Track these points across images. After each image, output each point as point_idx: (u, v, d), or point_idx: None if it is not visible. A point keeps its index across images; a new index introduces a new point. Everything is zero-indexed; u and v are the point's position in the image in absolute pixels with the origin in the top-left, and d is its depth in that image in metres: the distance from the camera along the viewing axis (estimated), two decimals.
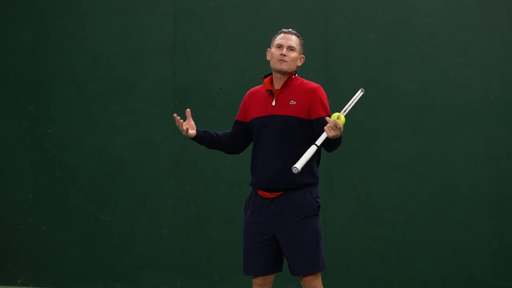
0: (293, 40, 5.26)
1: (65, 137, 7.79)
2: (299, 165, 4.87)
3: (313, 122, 5.18)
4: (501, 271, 7.11)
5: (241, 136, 5.41)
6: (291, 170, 4.89)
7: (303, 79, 5.28)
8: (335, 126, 4.87)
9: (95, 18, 7.78)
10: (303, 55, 5.33)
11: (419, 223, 7.23)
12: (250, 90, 5.43)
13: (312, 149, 4.92)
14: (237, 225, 7.50)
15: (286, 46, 5.23)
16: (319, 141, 4.95)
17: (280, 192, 5.16)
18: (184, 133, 5.23)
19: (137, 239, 7.70)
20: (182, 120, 5.23)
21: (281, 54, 5.21)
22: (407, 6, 7.23)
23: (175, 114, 5.23)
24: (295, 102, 5.18)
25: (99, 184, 7.75)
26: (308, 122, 5.19)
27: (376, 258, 7.30)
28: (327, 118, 4.92)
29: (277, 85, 5.25)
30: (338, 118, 4.91)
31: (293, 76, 5.25)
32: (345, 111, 5.02)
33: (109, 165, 7.74)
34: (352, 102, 5.09)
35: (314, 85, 5.25)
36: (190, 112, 5.31)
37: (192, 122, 5.30)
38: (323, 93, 5.22)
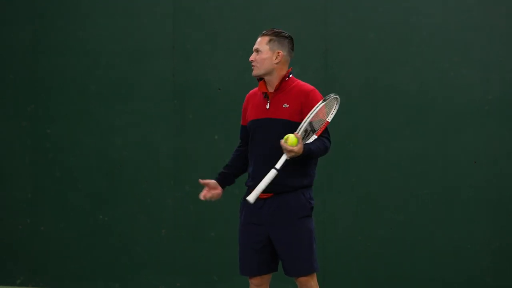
0: (259, 41, 5.23)
1: (65, 137, 7.79)
2: (251, 198, 4.92)
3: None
4: (501, 271, 7.10)
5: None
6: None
7: (298, 80, 5.22)
8: (285, 149, 4.88)
9: (95, 18, 7.78)
10: (280, 51, 5.19)
11: (419, 223, 7.22)
12: (249, 92, 5.39)
13: (271, 174, 4.91)
14: (236, 225, 7.49)
15: (254, 50, 5.24)
16: (278, 164, 4.93)
17: (272, 193, 5.13)
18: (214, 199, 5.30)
19: (137, 239, 7.69)
20: (205, 195, 5.30)
21: (250, 60, 5.22)
22: (407, 6, 7.23)
23: (201, 196, 5.33)
24: (288, 106, 5.12)
25: (99, 184, 7.75)
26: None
27: (376, 258, 7.29)
28: (281, 141, 4.89)
29: (270, 87, 5.20)
30: (286, 140, 4.87)
31: (287, 78, 5.18)
32: (299, 130, 4.95)
33: (108, 165, 7.73)
34: (313, 111, 4.98)
35: (308, 87, 5.17)
36: (202, 181, 5.34)
37: (212, 184, 5.34)
38: (317, 96, 5.12)
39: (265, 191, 5.04)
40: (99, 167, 7.75)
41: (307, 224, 5.17)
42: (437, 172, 7.19)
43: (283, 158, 4.92)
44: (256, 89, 5.34)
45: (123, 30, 7.72)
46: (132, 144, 7.69)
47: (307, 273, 5.16)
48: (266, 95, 5.19)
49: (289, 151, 4.86)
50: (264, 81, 5.23)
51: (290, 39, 5.29)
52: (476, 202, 7.12)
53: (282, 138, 4.96)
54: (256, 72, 5.19)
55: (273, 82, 5.19)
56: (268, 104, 5.17)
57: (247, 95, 5.38)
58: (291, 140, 4.88)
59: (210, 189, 5.31)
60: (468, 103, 7.13)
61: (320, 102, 5.00)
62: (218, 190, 5.32)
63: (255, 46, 5.23)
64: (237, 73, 7.49)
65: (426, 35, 7.19)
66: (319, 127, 5.05)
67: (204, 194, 5.31)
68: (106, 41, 7.74)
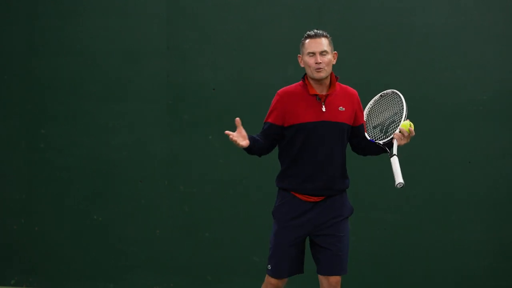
0: (323, 43, 5.20)
1: (59, 138, 7.78)
2: (401, 179, 5.06)
3: (357, 128, 5.29)
4: (496, 271, 7.11)
5: (275, 140, 5.32)
6: (396, 185, 5.07)
7: (338, 83, 5.31)
8: (409, 135, 5.12)
9: (89, 19, 7.76)
10: (335, 52, 5.29)
11: (412, 223, 7.22)
12: (282, 91, 5.30)
13: (397, 160, 5.12)
14: (231, 225, 7.53)
15: (318, 52, 5.17)
16: (395, 151, 5.15)
17: (324, 196, 5.22)
18: (236, 144, 5.08)
19: (131, 239, 7.69)
20: (232, 134, 5.06)
21: (316, 63, 5.16)
22: (402, 6, 7.23)
23: (227, 131, 5.06)
24: (344, 109, 5.20)
25: (93, 185, 7.74)
26: (351, 128, 5.28)
27: (369, 259, 7.29)
28: (401, 128, 5.09)
29: (319, 89, 5.22)
30: (411, 126, 5.12)
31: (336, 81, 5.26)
32: (406, 117, 5.20)
33: (102, 166, 7.73)
34: (406, 105, 5.25)
35: (354, 90, 5.33)
36: (240, 122, 5.11)
37: (244, 132, 5.12)
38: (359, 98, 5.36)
39: (322, 195, 5.19)
40: (94, 167, 7.74)
41: (348, 226, 5.32)
42: (431, 172, 7.19)
43: (397, 144, 5.17)
44: (289, 88, 5.31)
45: (117, 30, 7.71)
46: (126, 144, 7.68)
47: (344, 272, 5.29)
48: (318, 98, 5.19)
49: (411, 135, 5.17)
50: (312, 82, 5.23)
51: None
52: (470, 202, 7.13)
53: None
54: (324, 74, 5.18)
55: (325, 84, 5.23)
56: (323, 107, 5.17)
57: (281, 94, 5.29)
58: (413, 126, 5.17)
59: (240, 134, 5.11)
60: (462, 103, 7.14)
61: (400, 95, 5.32)
62: (246, 140, 5.11)
63: (320, 48, 5.18)
64: (232, 73, 7.49)
65: (421, 36, 7.20)
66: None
67: (232, 134, 5.06)
68: (100, 41, 7.73)
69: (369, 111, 5.41)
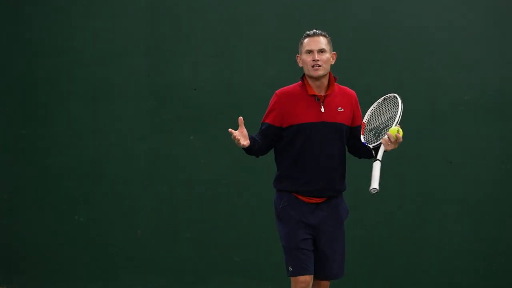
0: (321, 41, 5.20)
1: (41, 138, 7.76)
2: (377, 185, 4.98)
3: (355, 129, 5.27)
4: (477, 271, 7.13)
5: (273, 141, 5.29)
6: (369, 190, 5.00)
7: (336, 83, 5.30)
8: (396, 140, 5.02)
9: (71, 19, 7.75)
10: (334, 52, 5.28)
11: (395, 223, 7.24)
12: (280, 92, 5.28)
13: (378, 166, 5.02)
14: (212, 225, 7.53)
15: (316, 50, 5.17)
16: (380, 156, 5.06)
17: (326, 198, 5.22)
18: (236, 143, 5.06)
19: (113, 240, 7.68)
20: (235, 132, 5.05)
21: (313, 60, 5.16)
22: (384, 6, 7.24)
23: (230, 129, 5.05)
24: (343, 110, 5.20)
25: (75, 185, 7.73)
26: (350, 129, 5.28)
27: (352, 258, 7.29)
28: (388, 133, 5.02)
29: (318, 89, 5.21)
30: (398, 132, 5.02)
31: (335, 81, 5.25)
32: (397, 123, 5.11)
33: (84, 166, 7.71)
34: (401, 111, 5.16)
35: (352, 91, 5.33)
36: (242, 121, 5.09)
37: (245, 132, 5.09)
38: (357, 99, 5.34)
39: (323, 196, 5.19)
40: (76, 167, 7.73)
41: (344, 229, 5.37)
42: (413, 172, 7.21)
43: (382, 150, 5.07)
44: (288, 88, 5.29)
45: (98, 30, 7.69)
46: (108, 144, 7.67)
47: (341, 276, 5.33)
48: (317, 98, 5.18)
49: (398, 141, 5.07)
50: (311, 82, 5.22)
51: None
52: (451, 202, 7.15)
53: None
54: (321, 72, 5.17)
55: (323, 84, 5.22)
56: (322, 107, 5.17)
57: (279, 94, 5.27)
58: (401, 132, 5.07)
59: (242, 133, 5.08)
60: (444, 103, 7.16)
61: (399, 99, 5.25)
62: (247, 140, 5.09)
63: (319, 46, 5.18)
64: (213, 74, 7.49)
65: (403, 36, 7.21)
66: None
67: (235, 132, 5.05)
68: (82, 41, 7.71)
69: (371, 114, 5.33)
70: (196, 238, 7.53)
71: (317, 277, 5.29)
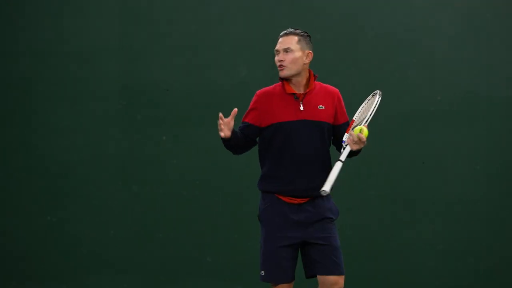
0: (288, 41, 5.09)
1: (11, 138, 7.71)
2: (327, 187, 4.80)
3: (338, 127, 5.15)
4: (447, 271, 7.17)
5: (252, 141, 5.20)
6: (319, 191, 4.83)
7: (318, 81, 5.20)
8: (359, 140, 4.87)
9: (41, 19, 7.70)
10: (309, 51, 5.13)
11: (365, 223, 7.26)
12: (260, 92, 5.19)
13: (338, 166, 4.87)
14: (184, 226, 7.52)
15: (281, 50, 5.08)
16: (343, 157, 4.91)
17: (309, 198, 5.10)
18: (220, 132, 4.97)
19: (84, 240, 7.64)
20: (224, 119, 4.95)
21: (279, 61, 5.08)
22: (354, 7, 7.26)
23: (221, 114, 4.95)
24: (324, 107, 5.08)
25: (46, 186, 7.68)
26: (332, 127, 5.15)
27: None
28: (351, 132, 4.90)
29: (296, 88, 5.12)
30: (361, 131, 4.88)
31: (314, 79, 5.15)
32: (367, 121, 4.98)
33: (56, 166, 7.67)
34: (374, 109, 5.02)
35: (334, 88, 5.19)
36: (235, 113, 5.00)
37: (232, 124, 5.00)
38: (340, 97, 5.21)
39: (305, 196, 5.07)
40: (46, 168, 7.69)
41: (335, 228, 5.21)
42: (385, 173, 7.23)
43: (348, 150, 4.91)
44: (268, 88, 5.20)
45: (70, 30, 7.66)
46: (79, 144, 7.63)
47: (343, 272, 5.15)
48: (296, 97, 5.10)
49: (362, 142, 4.90)
50: (288, 81, 5.14)
51: (310, 38, 5.23)
52: (422, 202, 7.18)
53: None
54: (287, 73, 5.07)
55: (300, 83, 5.12)
56: (301, 105, 5.09)
57: (259, 95, 5.19)
58: (366, 132, 4.90)
59: (228, 124, 4.99)
60: (414, 104, 7.19)
61: (377, 96, 5.10)
62: (229, 132, 4.98)
63: (284, 46, 5.08)
64: (185, 74, 7.48)
65: (373, 36, 7.24)
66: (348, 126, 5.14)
67: (224, 119, 4.96)
68: (52, 41, 7.67)
69: (361, 110, 5.22)
70: (168, 238, 7.52)
71: (319, 272, 5.15)
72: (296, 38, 5.12)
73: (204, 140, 7.42)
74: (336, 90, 5.22)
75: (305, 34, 5.17)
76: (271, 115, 5.12)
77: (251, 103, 5.20)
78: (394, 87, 7.18)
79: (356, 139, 4.89)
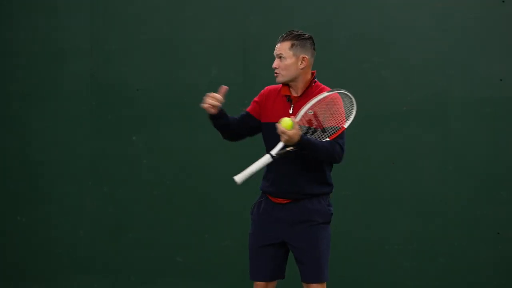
0: (281, 47, 5.05)
1: None
2: (239, 177, 4.72)
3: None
4: (420, 272, 7.18)
5: (247, 129, 5.18)
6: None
7: (323, 85, 5.13)
8: (281, 132, 4.77)
9: (12, 18, 7.69)
10: (304, 55, 5.06)
11: (337, 223, 7.24)
12: (267, 88, 5.19)
13: (264, 159, 4.78)
14: (155, 226, 7.51)
15: (276, 56, 5.07)
16: (274, 150, 4.82)
17: (293, 199, 5.07)
18: (206, 106, 4.90)
19: (55, 240, 7.64)
20: (212, 94, 4.90)
21: (273, 67, 5.06)
22: (328, 6, 7.26)
23: (213, 94, 4.90)
24: (312, 112, 4.97)
25: (17, 185, 7.68)
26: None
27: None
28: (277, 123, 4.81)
29: (295, 91, 5.09)
30: (281, 122, 4.76)
31: (313, 84, 5.09)
32: (298, 115, 4.88)
33: (26, 166, 7.66)
34: (315, 99, 4.92)
35: (333, 94, 5.02)
36: (225, 91, 4.96)
37: (221, 100, 4.93)
38: (340, 102, 5.04)
39: (288, 198, 5.03)
40: (17, 167, 7.68)
41: (325, 231, 5.13)
42: (355, 173, 7.23)
43: (280, 144, 4.80)
44: (275, 86, 5.17)
45: (41, 30, 7.65)
46: (50, 144, 7.62)
47: (324, 280, 5.10)
48: (289, 99, 5.07)
49: (282, 133, 4.74)
50: (288, 84, 5.10)
51: (312, 40, 5.16)
52: (393, 202, 7.19)
53: None
54: (280, 79, 5.03)
55: (298, 87, 5.08)
56: (291, 109, 5.04)
57: (266, 89, 5.19)
58: (285, 123, 4.75)
59: (216, 100, 4.93)
60: (387, 103, 7.19)
61: (325, 93, 4.94)
62: (215, 109, 4.94)
63: (277, 52, 5.05)
64: (156, 74, 7.48)
65: (347, 36, 7.24)
66: (334, 133, 5.01)
67: (214, 95, 4.93)
68: (23, 40, 7.66)
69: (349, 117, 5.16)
70: (139, 238, 7.51)
71: (303, 279, 5.16)
72: (289, 43, 5.06)
73: (175, 140, 7.41)
74: (335, 95, 5.05)
75: (302, 38, 5.11)
76: (265, 114, 5.12)
77: (257, 96, 5.21)
78: (366, 87, 7.19)
79: (279, 129, 4.78)
